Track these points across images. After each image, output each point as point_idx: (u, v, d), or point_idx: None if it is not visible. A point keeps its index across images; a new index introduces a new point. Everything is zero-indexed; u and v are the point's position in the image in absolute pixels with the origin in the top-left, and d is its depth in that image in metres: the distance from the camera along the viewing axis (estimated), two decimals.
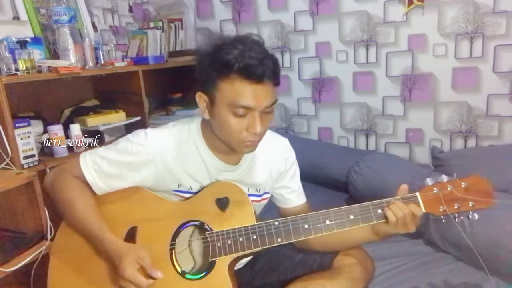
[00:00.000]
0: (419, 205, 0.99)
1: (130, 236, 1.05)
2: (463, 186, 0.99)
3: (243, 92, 0.91)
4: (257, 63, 0.89)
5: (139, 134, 1.05)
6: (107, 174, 1.04)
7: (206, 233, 1.04)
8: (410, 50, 2.22)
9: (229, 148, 1.03)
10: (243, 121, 0.94)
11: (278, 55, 2.53)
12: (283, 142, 1.19)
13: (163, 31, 2.48)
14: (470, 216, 0.99)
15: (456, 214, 1.00)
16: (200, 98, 1.00)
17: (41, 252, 1.40)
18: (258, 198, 1.16)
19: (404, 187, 1.02)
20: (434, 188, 1.00)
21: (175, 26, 2.53)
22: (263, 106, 0.93)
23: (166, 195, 1.08)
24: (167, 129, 1.08)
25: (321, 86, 2.49)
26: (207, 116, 1.00)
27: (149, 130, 1.06)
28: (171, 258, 1.04)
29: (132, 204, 1.07)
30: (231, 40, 0.93)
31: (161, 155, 1.03)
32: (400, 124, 2.35)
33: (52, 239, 1.42)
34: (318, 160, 2.23)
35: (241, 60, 0.89)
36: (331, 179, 2.19)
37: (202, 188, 1.08)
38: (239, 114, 0.93)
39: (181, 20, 2.56)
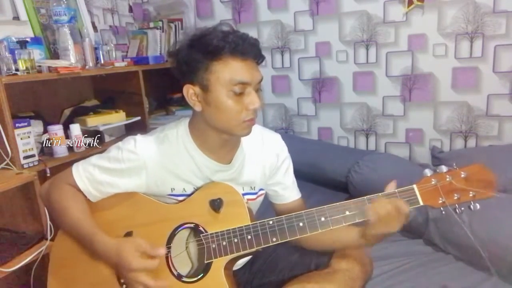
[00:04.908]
0: (406, 202, 0.94)
1: None
2: (462, 176, 0.95)
3: (238, 68, 0.95)
4: (242, 42, 0.95)
5: (129, 141, 1.06)
6: (99, 181, 1.05)
7: (201, 235, 1.04)
8: (410, 50, 2.22)
9: (225, 138, 1.03)
10: (240, 100, 0.97)
11: (278, 55, 2.54)
12: (275, 138, 1.18)
13: (163, 31, 2.48)
14: (471, 207, 0.94)
15: (456, 205, 0.96)
16: (189, 90, 0.99)
17: (41, 252, 1.40)
18: (254, 196, 1.15)
19: (391, 185, 0.98)
20: (433, 179, 0.96)
21: (175, 26, 2.53)
22: (257, 80, 0.98)
23: (160, 198, 1.08)
24: (155, 135, 1.08)
25: (321, 86, 2.49)
26: (199, 108, 1.00)
27: (138, 137, 1.07)
28: (167, 262, 1.03)
29: (127, 209, 1.07)
30: (210, 28, 0.99)
31: (151, 161, 1.04)
32: (400, 124, 2.35)
33: (52, 239, 1.42)
34: (318, 160, 2.23)
35: (230, 40, 0.94)
36: (331, 179, 2.19)
37: (196, 190, 1.07)
38: (236, 93, 0.95)
39: (181, 20, 2.56)
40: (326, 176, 2.20)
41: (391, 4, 2.19)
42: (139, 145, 1.04)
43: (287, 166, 1.19)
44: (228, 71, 0.95)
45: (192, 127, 1.07)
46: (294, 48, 2.50)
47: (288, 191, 1.19)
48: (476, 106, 2.15)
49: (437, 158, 2.07)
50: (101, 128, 1.86)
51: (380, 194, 0.98)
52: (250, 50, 0.96)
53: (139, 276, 0.94)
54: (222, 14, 2.63)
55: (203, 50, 0.95)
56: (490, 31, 2.03)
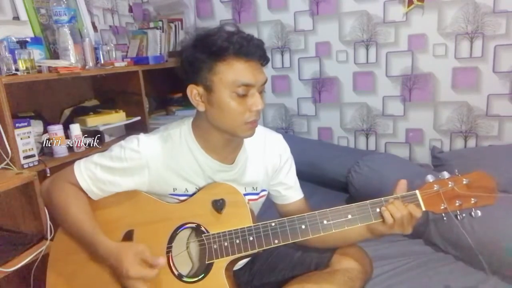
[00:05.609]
0: (418, 206, 0.97)
1: (127, 240, 1.05)
2: (464, 182, 0.96)
3: (241, 70, 0.94)
4: (247, 43, 0.94)
5: (132, 140, 1.06)
6: (101, 180, 1.05)
7: (203, 235, 1.04)
8: (410, 50, 2.22)
9: (227, 138, 1.03)
10: (243, 102, 0.96)
11: (278, 55, 2.54)
12: (277, 138, 1.18)
13: (163, 31, 2.48)
14: (473, 213, 0.95)
15: (457, 211, 0.97)
16: (192, 91, 0.99)
17: (41, 252, 1.40)
18: (256, 197, 1.15)
19: (402, 182, 1.00)
20: (435, 185, 0.97)
21: (175, 26, 2.53)
22: (260, 82, 0.97)
23: (162, 197, 1.08)
24: (158, 134, 1.08)
25: (321, 86, 2.49)
26: (202, 108, 1.00)
27: (141, 136, 1.06)
28: (168, 261, 1.03)
29: (129, 208, 1.07)
30: (215, 29, 0.98)
31: (154, 160, 1.04)
32: (400, 124, 2.35)
33: (52, 239, 1.42)
34: (318, 160, 2.23)
35: (234, 41, 0.93)
36: (331, 179, 2.19)
37: (198, 190, 1.07)
38: (240, 94, 0.95)
39: (181, 20, 2.56)
40: (326, 176, 2.20)
41: (391, 4, 2.19)
42: (142, 144, 1.04)
43: (290, 166, 1.19)
44: (232, 72, 0.94)
45: (195, 126, 1.07)
46: (294, 48, 2.50)
47: (290, 191, 1.19)
48: (476, 106, 2.15)
49: (437, 158, 2.07)
50: (101, 128, 1.86)
51: (383, 199, 0.99)
52: (254, 52, 0.95)
53: (136, 284, 0.94)
54: (222, 14, 2.63)
55: (207, 51, 0.94)
56: (490, 31, 2.03)
